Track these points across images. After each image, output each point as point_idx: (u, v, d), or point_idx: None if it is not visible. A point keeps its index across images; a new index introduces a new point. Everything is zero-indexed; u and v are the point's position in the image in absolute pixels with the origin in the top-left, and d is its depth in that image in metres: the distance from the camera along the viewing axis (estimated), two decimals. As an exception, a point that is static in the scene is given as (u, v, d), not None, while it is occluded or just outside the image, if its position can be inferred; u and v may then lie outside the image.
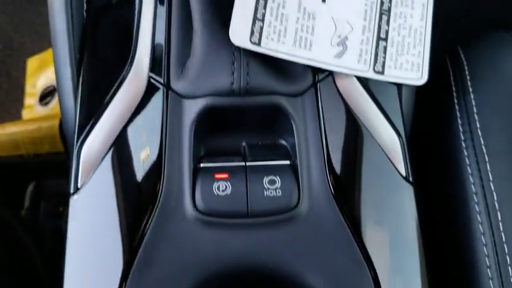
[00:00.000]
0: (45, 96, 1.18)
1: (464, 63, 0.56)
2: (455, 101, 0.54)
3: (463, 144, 0.50)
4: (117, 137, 0.44)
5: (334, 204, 0.43)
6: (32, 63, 1.27)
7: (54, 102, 1.14)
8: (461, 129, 0.51)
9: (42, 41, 1.45)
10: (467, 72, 0.55)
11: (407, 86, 0.49)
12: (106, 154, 0.44)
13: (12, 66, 1.45)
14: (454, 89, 0.55)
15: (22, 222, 0.70)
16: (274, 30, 0.45)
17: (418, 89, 0.51)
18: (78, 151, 0.44)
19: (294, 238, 0.42)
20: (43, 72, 1.23)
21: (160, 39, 0.46)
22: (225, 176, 0.43)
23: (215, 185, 0.43)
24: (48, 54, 1.24)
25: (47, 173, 0.98)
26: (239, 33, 0.44)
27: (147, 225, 0.41)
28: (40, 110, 1.16)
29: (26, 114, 1.17)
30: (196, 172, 0.44)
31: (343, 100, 0.46)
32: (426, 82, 0.49)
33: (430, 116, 0.56)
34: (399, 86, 0.49)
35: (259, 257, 0.41)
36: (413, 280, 0.42)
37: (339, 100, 0.46)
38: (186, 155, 0.43)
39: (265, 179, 0.43)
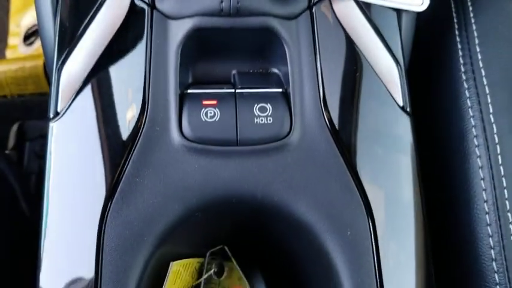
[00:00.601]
0: (30, 36, 1.14)
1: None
2: (457, 32, 0.51)
3: (463, 77, 0.48)
4: (98, 59, 0.41)
5: (328, 133, 0.41)
6: (15, 1, 1.22)
7: (39, 43, 1.10)
8: (461, 61, 0.49)
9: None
10: (469, 3, 0.52)
11: (407, 12, 0.47)
12: (86, 77, 0.41)
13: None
14: (455, 20, 0.52)
15: (6, 161, 0.67)
16: None
17: (418, 18, 0.49)
18: (57, 73, 0.42)
19: (284, 167, 0.40)
20: (27, 11, 1.18)
21: None
22: (213, 102, 0.41)
23: (203, 111, 0.40)
24: (32, -8, 1.19)
25: (31, 114, 0.95)
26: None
27: (131, 153, 0.39)
28: (24, 50, 1.12)
29: (9, 54, 1.13)
30: (183, 98, 0.41)
31: (340, 25, 0.43)
32: (426, 11, 0.46)
33: (430, 47, 0.54)
34: (399, 12, 0.46)
35: (248, 186, 0.39)
36: (408, 210, 0.40)
37: (335, 25, 0.43)
38: (172, 79, 0.41)
39: (256, 106, 0.41)
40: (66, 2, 0.45)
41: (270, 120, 0.41)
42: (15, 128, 0.92)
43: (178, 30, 0.42)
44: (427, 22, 0.53)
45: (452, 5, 0.53)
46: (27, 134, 0.93)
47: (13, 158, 0.89)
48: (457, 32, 0.51)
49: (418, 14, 0.48)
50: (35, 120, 0.95)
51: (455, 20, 0.52)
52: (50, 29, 0.45)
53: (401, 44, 0.45)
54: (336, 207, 0.39)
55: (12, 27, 1.20)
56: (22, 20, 1.18)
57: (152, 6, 0.42)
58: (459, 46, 0.50)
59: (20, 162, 0.90)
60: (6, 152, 0.89)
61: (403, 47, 0.46)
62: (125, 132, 0.40)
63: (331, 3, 0.44)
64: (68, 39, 0.43)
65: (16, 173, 0.68)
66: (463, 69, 0.49)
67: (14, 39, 1.17)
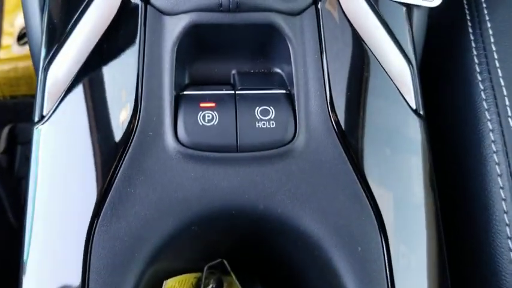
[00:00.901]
0: (23, 36, 1.11)
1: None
2: (470, 30, 0.48)
3: (479, 77, 0.45)
4: (88, 58, 0.38)
5: (335, 138, 0.38)
6: (9, 0, 1.19)
7: (33, 43, 1.07)
8: (476, 60, 0.46)
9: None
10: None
11: (418, 8, 0.43)
12: (75, 78, 0.38)
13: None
14: (468, 17, 0.49)
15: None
16: None
17: (429, 14, 0.45)
18: (43, 74, 0.39)
19: (288, 176, 0.36)
20: (21, 10, 1.16)
21: None
22: (211, 104, 0.38)
23: (200, 114, 0.37)
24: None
25: (23, 116, 0.92)
26: None
27: (122, 159, 0.36)
28: (17, 50, 1.09)
29: (3, 54, 1.10)
30: (178, 100, 0.38)
31: (348, 21, 0.40)
32: (439, 7, 0.43)
33: (442, 45, 0.50)
34: (410, 8, 0.43)
35: (249, 196, 0.36)
36: (423, 222, 0.37)
37: (342, 21, 0.40)
38: (167, 79, 0.38)
39: (257, 109, 0.38)
40: None
41: (272, 124, 0.37)
42: (6, 130, 0.89)
43: (174, 27, 0.39)
44: (438, 19, 0.50)
45: (465, 1, 0.50)
46: (19, 137, 0.90)
47: (3, 162, 0.86)
48: (470, 30, 0.48)
49: (430, 9, 0.45)
50: (27, 122, 0.92)
51: (468, 17, 0.49)
52: (37, 27, 0.42)
53: (413, 41, 0.42)
54: (345, 220, 0.36)
55: (6, 26, 1.17)
56: (16, 19, 1.16)
57: (146, 1, 0.39)
58: (473, 45, 0.47)
59: (11, 166, 0.87)
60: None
61: (415, 45, 0.42)
62: (116, 137, 0.36)
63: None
64: (56, 38, 0.40)
65: (4, 181, 0.65)
66: (478, 69, 0.45)
67: (8, 39, 1.14)
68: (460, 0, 0.51)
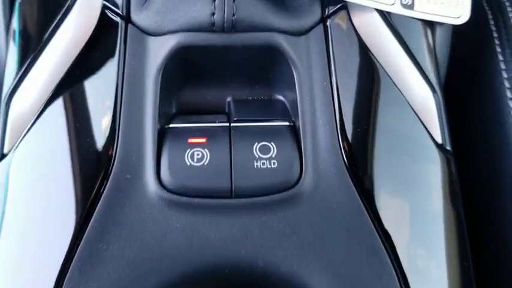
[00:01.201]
0: None
1: (506, 4, 0.45)
2: (498, 49, 0.42)
3: (509, 94, 0.39)
4: (58, 85, 0.33)
5: (348, 179, 0.32)
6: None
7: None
8: (505, 75, 0.40)
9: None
10: (509, 9, 0.43)
11: (441, 26, 0.38)
12: (42, 109, 0.32)
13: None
14: (495, 34, 0.43)
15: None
16: None
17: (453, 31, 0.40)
18: (6, 104, 0.33)
19: (293, 226, 0.31)
20: None
21: None
22: (201, 140, 0.32)
23: (188, 152, 0.32)
24: None
25: None
26: None
27: (94, 208, 0.30)
28: None
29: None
30: (163, 134, 0.32)
31: (361, 41, 0.35)
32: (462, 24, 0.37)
33: (466, 68, 0.45)
34: (432, 26, 0.37)
35: (246, 251, 0.30)
36: (454, 283, 0.31)
37: (354, 41, 0.35)
38: (149, 110, 0.32)
39: (256, 145, 0.32)
40: (22, 15, 0.36)
41: (274, 163, 0.32)
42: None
43: (159, 49, 0.33)
44: (460, 34, 0.44)
45: (489, 14, 0.45)
46: None
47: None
48: (498, 49, 0.42)
49: (453, 26, 0.39)
50: None
51: (494, 34, 0.43)
52: (1, 47, 0.37)
53: (437, 64, 0.37)
54: (361, 280, 0.30)
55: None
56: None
57: (127, 19, 0.34)
58: (503, 67, 0.41)
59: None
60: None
61: (439, 69, 0.37)
62: (87, 180, 0.31)
63: (349, 15, 0.35)
64: (22, 61, 0.34)
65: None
66: (507, 85, 0.40)
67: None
68: (484, 13, 0.45)
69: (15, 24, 0.36)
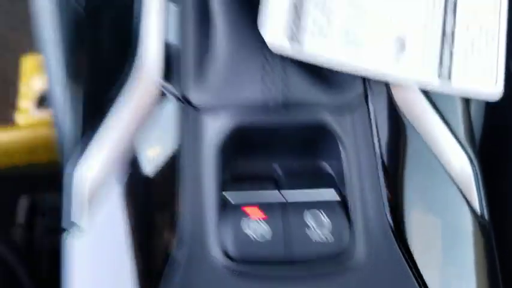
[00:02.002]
0: (44, 98, 1.08)
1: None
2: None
3: None
4: (119, 162, 0.35)
5: (397, 250, 0.34)
6: (27, 61, 1.17)
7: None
8: None
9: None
10: None
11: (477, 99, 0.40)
12: (107, 185, 0.35)
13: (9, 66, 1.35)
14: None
15: (14, 249, 0.60)
16: (317, 25, 0.36)
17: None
18: (68, 178, 0.35)
19: None
20: (41, 72, 1.14)
21: (172, 38, 0.37)
22: (262, 215, 0.34)
23: (249, 224, 0.34)
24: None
25: (43, 186, 0.89)
26: (273, 28, 0.35)
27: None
28: (37, 114, 1.07)
29: (20, 118, 1.08)
30: (223, 208, 0.34)
31: (403, 116, 0.37)
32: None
33: (498, 130, 0.46)
34: (467, 99, 0.40)
35: None
36: None
37: (397, 116, 0.37)
38: (210, 193, 0.34)
39: (308, 216, 0.34)
40: (82, 88, 0.39)
41: (326, 233, 0.34)
42: (24, 201, 0.86)
43: (214, 128, 0.35)
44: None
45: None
46: (38, 208, 0.87)
47: (22, 236, 0.82)
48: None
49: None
50: (46, 191, 0.88)
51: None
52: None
53: (473, 136, 0.39)
54: None
55: (23, 88, 1.15)
56: (35, 81, 1.14)
57: (182, 98, 0.36)
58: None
59: (29, 239, 0.83)
60: (14, 229, 0.82)
61: (475, 139, 0.39)
62: (155, 258, 0.33)
63: (389, 90, 0.37)
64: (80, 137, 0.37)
65: (23, 258, 0.61)
66: None
67: (25, 102, 1.12)
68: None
69: (76, 103, 0.39)
